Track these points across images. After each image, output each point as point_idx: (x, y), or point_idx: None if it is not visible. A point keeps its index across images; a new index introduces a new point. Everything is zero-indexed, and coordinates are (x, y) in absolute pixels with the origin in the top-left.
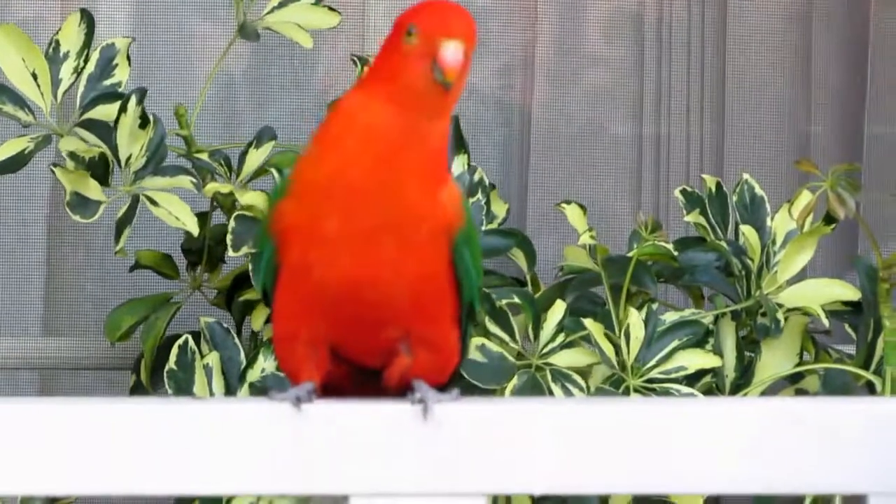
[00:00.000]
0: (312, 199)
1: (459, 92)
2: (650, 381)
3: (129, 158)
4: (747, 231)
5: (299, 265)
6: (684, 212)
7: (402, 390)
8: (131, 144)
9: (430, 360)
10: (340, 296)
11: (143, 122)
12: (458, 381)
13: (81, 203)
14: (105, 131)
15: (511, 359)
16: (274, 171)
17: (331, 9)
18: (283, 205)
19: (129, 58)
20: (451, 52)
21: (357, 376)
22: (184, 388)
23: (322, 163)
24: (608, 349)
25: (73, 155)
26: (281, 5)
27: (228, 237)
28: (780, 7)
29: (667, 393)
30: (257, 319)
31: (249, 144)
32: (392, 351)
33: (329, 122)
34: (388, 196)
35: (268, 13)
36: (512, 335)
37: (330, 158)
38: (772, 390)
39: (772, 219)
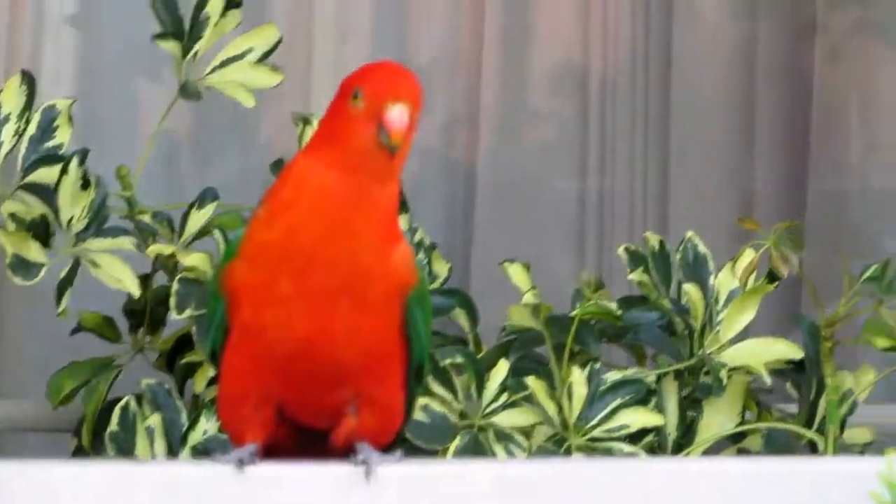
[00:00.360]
0: (265, 261)
1: (406, 154)
2: (593, 439)
3: (70, 220)
4: (690, 290)
5: (252, 325)
6: (628, 270)
7: (345, 452)
8: (73, 206)
9: (375, 421)
10: (294, 355)
11: (85, 183)
12: (401, 442)
13: (22, 265)
14: (47, 193)
15: (453, 419)
16: (217, 232)
17: (273, 68)
18: (234, 265)
19: (70, 119)
20: (397, 115)
21: (301, 438)
22: (126, 450)
23: (274, 226)
24: (551, 408)
25: (13, 216)
26: (223, 64)
27: (172, 299)
28: (724, 64)
29: (609, 451)
30: (199, 382)
31: (192, 205)
32: (340, 412)
33: (279, 186)
34: (343, 258)
35: (210, 73)
36: (454, 395)
37: (282, 221)
38: (714, 449)
39: (715, 277)
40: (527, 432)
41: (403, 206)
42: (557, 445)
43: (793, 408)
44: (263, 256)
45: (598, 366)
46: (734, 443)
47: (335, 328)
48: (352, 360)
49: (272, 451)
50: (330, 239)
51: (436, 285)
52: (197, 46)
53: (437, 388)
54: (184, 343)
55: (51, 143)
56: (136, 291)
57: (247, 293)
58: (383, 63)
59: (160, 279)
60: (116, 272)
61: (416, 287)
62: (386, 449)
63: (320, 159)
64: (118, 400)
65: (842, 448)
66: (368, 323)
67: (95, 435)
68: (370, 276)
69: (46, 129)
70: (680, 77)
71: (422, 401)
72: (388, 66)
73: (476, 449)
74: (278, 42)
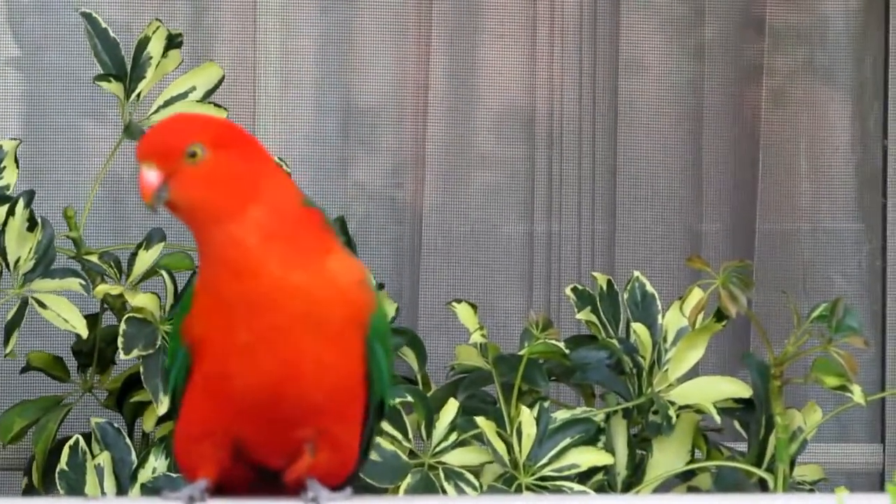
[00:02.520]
0: (216, 317)
1: (205, 191)
2: (542, 478)
3: (17, 261)
4: (638, 329)
5: (216, 373)
6: (575, 310)
7: (297, 490)
8: (20, 247)
9: (330, 460)
10: (260, 398)
11: (31, 224)
12: (354, 481)
13: None
14: None
15: (404, 457)
16: (164, 272)
17: (217, 105)
18: (190, 319)
19: (16, 160)
20: (140, 178)
21: (254, 477)
22: (75, 488)
23: (208, 285)
24: (500, 447)
25: None
26: (167, 104)
27: (119, 340)
28: (670, 104)
29: (559, 491)
30: (149, 420)
31: (139, 246)
32: (298, 451)
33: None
34: (272, 290)
35: (154, 112)
36: (405, 434)
37: (211, 281)
38: (664, 488)
39: (663, 316)
40: (477, 471)
41: (350, 247)
42: (507, 484)
43: (742, 446)
44: (213, 312)
45: (546, 405)
46: (684, 481)
47: (300, 365)
48: (317, 398)
49: (227, 489)
50: (248, 282)
51: None
52: (140, 87)
53: (388, 426)
54: (133, 382)
55: None
56: (83, 332)
57: (208, 344)
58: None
59: (108, 319)
60: (64, 313)
61: (376, 315)
62: (337, 488)
63: None
64: (68, 438)
65: (792, 486)
66: (331, 353)
67: (46, 473)
68: (309, 295)
69: None
70: (626, 119)
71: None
72: (152, 127)
73: (427, 487)
74: (221, 80)
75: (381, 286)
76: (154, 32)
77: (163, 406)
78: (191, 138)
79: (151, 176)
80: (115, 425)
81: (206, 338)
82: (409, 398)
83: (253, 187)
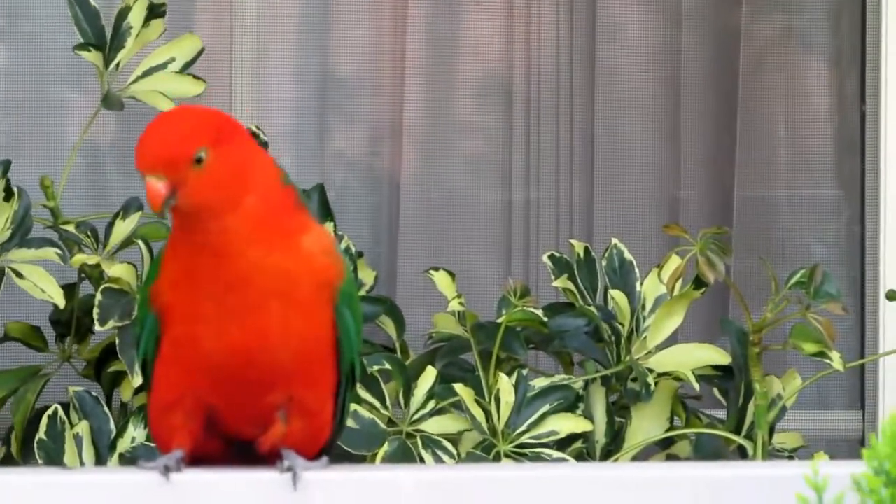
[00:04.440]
0: (184, 286)
1: (211, 192)
2: (521, 446)
3: None
4: (617, 296)
5: (184, 338)
6: (552, 277)
7: (273, 460)
8: None
9: (304, 429)
10: (228, 363)
11: (8, 194)
12: (332, 451)
13: None
14: None
15: (382, 425)
16: (141, 242)
17: (196, 77)
18: (158, 285)
19: None
20: (149, 189)
21: (228, 448)
22: (54, 458)
23: (180, 255)
24: (479, 415)
25: None
26: (146, 74)
27: (95, 311)
28: (648, 72)
29: (538, 458)
30: (126, 390)
31: (116, 215)
32: (270, 419)
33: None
34: (248, 271)
35: (132, 82)
36: (383, 402)
37: (184, 252)
38: (643, 455)
39: (641, 283)
40: (455, 439)
41: (328, 215)
42: (486, 452)
43: (721, 413)
44: (182, 281)
45: (525, 372)
46: (663, 449)
47: (267, 331)
48: (285, 362)
49: (202, 462)
50: (227, 264)
51: (362, 293)
52: (119, 56)
53: (366, 394)
54: (110, 352)
55: None
56: (60, 302)
57: (175, 311)
58: (147, 127)
59: (86, 289)
60: (41, 283)
61: (344, 281)
62: (314, 458)
63: None
64: (47, 408)
65: (771, 453)
66: (299, 319)
67: (25, 443)
68: (285, 273)
69: None
70: (604, 86)
71: (350, 407)
72: (148, 130)
73: (404, 455)
74: (200, 52)
75: (359, 255)
76: (135, 2)
77: (138, 377)
78: (196, 144)
79: (160, 186)
80: (94, 394)
81: (175, 305)
82: (387, 366)
83: (247, 178)
